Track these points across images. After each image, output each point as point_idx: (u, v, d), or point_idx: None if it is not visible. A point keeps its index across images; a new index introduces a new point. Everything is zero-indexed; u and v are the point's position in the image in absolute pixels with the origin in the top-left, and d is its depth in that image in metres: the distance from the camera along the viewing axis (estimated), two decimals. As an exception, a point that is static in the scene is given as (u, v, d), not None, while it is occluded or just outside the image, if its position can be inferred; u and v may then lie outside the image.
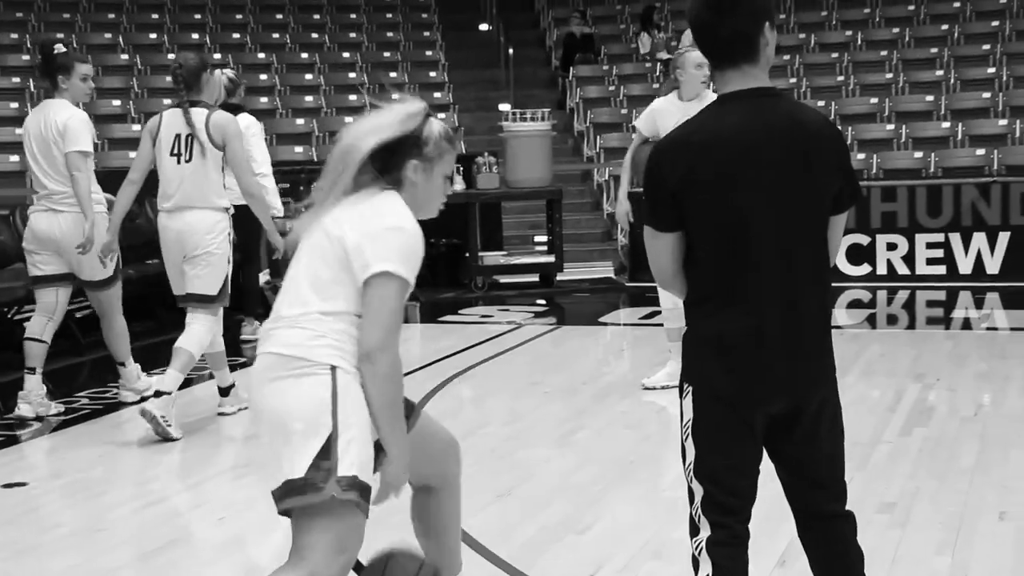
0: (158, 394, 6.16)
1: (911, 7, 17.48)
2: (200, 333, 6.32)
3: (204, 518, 5.09)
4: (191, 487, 5.60)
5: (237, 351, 8.30)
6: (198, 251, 6.32)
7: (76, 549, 4.69)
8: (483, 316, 10.39)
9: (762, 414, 2.86)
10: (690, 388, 2.91)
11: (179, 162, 6.31)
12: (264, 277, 9.66)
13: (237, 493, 5.48)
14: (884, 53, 16.27)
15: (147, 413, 6.11)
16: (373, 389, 3.02)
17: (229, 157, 6.33)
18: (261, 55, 17.03)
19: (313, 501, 2.97)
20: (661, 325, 7.37)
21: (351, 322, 3.03)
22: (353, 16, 18.74)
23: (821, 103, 14.74)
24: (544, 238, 12.54)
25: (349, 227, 3.03)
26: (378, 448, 3.11)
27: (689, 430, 2.90)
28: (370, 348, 2.99)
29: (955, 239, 11.27)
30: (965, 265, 11.24)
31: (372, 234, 3.01)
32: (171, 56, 16.44)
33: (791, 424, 2.89)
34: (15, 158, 13.39)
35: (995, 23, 16.54)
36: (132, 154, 12.99)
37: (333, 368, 3.00)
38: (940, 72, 15.57)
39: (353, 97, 16.07)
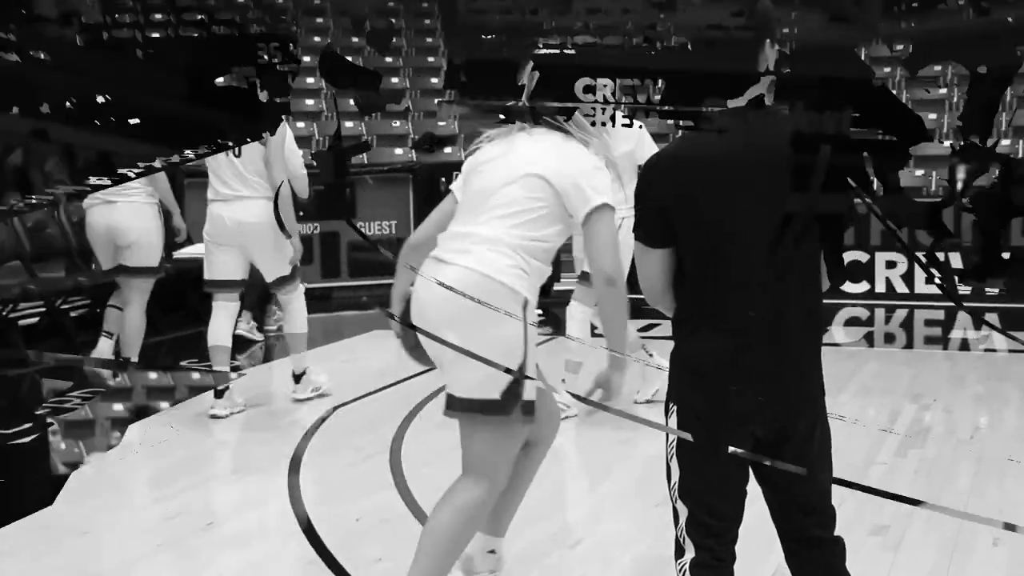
0: (297, 379, 6.99)
1: (914, 23, 17.45)
2: (300, 311, 6.99)
3: (191, 524, 5.04)
4: (179, 492, 5.54)
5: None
6: (260, 242, 6.72)
7: (60, 553, 4.64)
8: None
9: (746, 436, 2.81)
10: (674, 408, 2.86)
11: (228, 155, 6.69)
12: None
13: (225, 499, 5.44)
14: (887, 70, 16.25)
15: (299, 401, 6.95)
16: (616, 308, 3.47)
17: (267, 151, 6.68)
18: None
19: (501, 424, 3.42)
20: (656, 339, 7.35)
21: (537, 252, 3.41)
22: (357, 21, 18.72)
23: (822, 119, 14.69)
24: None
25: (562, 166, 3.40)
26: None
27: (673, 450, 2.86)
28: (612, 273, 3.43)
29: (955, 258, 11.20)
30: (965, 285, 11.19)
31: (587, 173, 3.40)
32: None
33: (778, 447, 2.83)
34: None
35: (1000, 42, 16.51)
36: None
37: (526, 302, 3.38)
38: (943, 90, 15.54)
39: (353, 102, 16.03)
